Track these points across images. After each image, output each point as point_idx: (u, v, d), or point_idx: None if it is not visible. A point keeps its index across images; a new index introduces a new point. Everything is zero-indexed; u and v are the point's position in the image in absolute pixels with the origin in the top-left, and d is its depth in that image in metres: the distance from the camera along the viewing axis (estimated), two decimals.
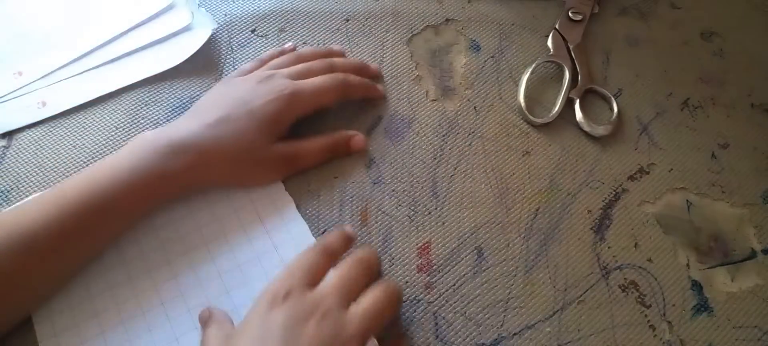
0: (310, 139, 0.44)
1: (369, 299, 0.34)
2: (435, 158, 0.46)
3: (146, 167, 0.38)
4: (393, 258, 0.42)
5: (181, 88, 0.50)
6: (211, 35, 0.51)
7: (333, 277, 0.35)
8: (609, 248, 0.43)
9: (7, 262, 0.34)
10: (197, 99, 0.49)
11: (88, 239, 0.38)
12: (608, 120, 0.48)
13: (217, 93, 0.44)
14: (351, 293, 0.34)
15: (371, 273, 0.37)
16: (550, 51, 0.51)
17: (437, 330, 0.39)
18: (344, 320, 0.33)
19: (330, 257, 0.37)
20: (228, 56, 0.51)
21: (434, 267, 0.42)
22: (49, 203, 0.37)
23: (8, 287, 0.35)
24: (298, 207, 0.43)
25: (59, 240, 0.36)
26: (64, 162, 0.46)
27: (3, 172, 0.45)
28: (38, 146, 0.46)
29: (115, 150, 0.46)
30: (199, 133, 0.40)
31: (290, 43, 0.51)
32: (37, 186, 0.44)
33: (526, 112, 0.48)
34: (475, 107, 0.49)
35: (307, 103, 0.44)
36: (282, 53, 0.49)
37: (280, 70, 0.45)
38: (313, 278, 0.35)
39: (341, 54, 0.50)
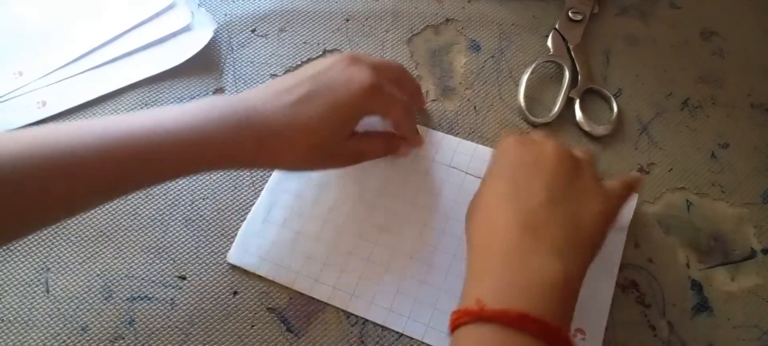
0: (373, 137, 0.44)
1: None
2: None
3: (209, 133, 0.35)
4: None
5: (181, 88, 0.50)
6: (212, 35, 0.51)
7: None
8: None
9: (40, 177, 0.32)
10: (197, 99, 0.49)
11: (127, 181, 0.36)
12: (608, 120, 0.48)
13: (303, 70, 0.40)
14: None
15: None
16: (550, 51, 0.51)
17: None
18: None
19: None
20: (228, 56, 0.51)
21: None
22: (97, 131, 0.34)
23: (35, 200, 0.33)
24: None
25: (99, 171, 0.34)
26: None
27: None
28: None
29: None
30: (275, 112, 0.37)
31: None
32: None
33: (526, 112, 0.48)
34: (475, 107, 0.49)
35: (381, 105, 0.41)
36: None
37: (367, 57, 0.41)
38: None
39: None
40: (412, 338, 0.40)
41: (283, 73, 0.50)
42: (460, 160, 0.46)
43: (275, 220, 0.43)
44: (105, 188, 0.35)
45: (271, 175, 0.46)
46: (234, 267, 0.42)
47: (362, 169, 0.45)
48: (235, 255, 0.42)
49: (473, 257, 0.35)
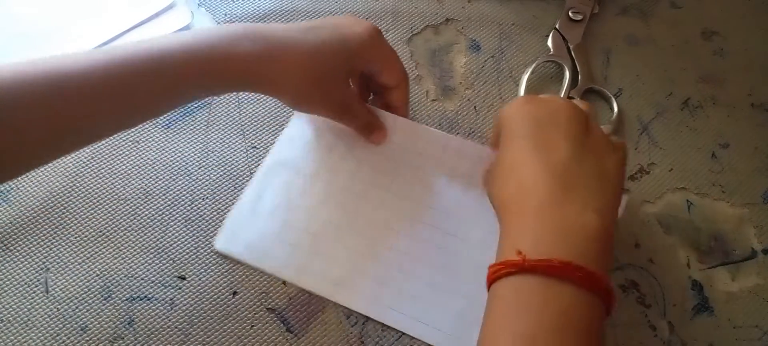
0: (363, 104, 0.44)
1: None
2: None
3: (212, 40, 0.37)
4: None
5: None
6: None
7: None
8: None
9: (41, 105, 0.33)
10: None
11: (130, 99, 0.36)
12: (608, 120, 0.48)
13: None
14: None
15: None
16: (550, 51, 0.51)
17: None
18: None
19: None
20: None
21: None
22: (98, 53, 0.35)
23: (39, 130, 0.33)
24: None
25: (103, 89, 0.34)
26: (65, 161, 0.46)
27: None
28: None
29: (115, 149, 0.46)
30: (282, 33, 0.39)
31: None
32: (38, 185, 0.44)
33: None
34: (475, 107, 0.49)
35: (382, 55, 0.43)
36: None
37: None
38: None
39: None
40: (412, 338, 0.40)
41: None
42: (449, 158, 0.45)
43: (263, 210, 0.43)
44: (105, 110, 0.35)
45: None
46: (233, 267, 0.42)
47: (351, 160, 0.45)
48: (221, 242, 0.42)
49: (505, 216, 0.34)
